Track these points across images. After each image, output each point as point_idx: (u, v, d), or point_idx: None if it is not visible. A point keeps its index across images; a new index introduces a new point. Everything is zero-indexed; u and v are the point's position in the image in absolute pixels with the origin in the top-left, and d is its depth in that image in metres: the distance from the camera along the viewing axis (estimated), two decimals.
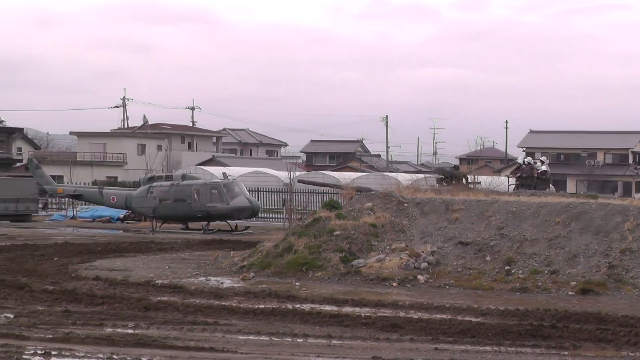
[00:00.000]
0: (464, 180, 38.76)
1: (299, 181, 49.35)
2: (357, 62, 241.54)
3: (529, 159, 42.07)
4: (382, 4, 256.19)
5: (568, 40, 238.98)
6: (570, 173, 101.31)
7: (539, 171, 39.34)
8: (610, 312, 20.20)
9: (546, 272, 24.89)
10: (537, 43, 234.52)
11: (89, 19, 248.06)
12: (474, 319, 19.16)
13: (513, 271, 25.19)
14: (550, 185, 41.10)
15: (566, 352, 15.98)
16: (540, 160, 41.18)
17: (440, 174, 40.25)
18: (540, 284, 24.36)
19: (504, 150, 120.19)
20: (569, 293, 23.61)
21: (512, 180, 41.53)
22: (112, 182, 78.25)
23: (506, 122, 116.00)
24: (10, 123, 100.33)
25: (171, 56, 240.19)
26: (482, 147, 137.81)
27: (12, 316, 18.64)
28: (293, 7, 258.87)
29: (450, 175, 38.81)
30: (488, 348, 16.19)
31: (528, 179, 38.84)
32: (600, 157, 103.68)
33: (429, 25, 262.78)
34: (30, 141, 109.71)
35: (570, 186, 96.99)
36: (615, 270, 24.47)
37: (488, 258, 26.02)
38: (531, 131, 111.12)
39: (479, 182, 41.13)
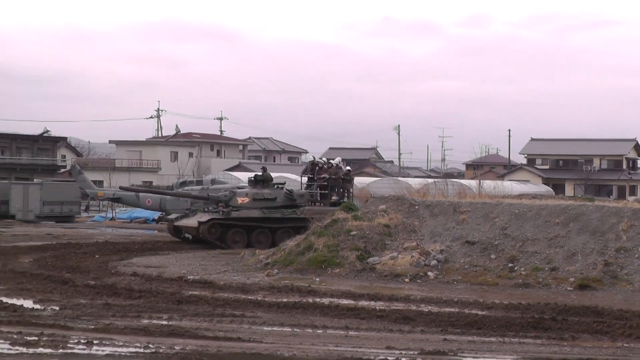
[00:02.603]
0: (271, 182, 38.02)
1: (121, 187, 47.06)
2: (371, 76, 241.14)
3: (338, 159, 41.22)
4: (391, 22, 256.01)
5: (566, 54, 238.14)
6: (568, 178, 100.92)
7: (344, 172, 38.51)
8: (606, 306, 20.11)
9: (547, 269, 24.82)
10: (536, 57, 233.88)
11: (124, 36, 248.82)
12: (480, 312, 19.12)
13: (516, 268, 25.12)
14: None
15: (565, 343, 15.95)
16: (343, 162, 40.44)
17: (252, 178, 39.38)
18: (541, 280, 24.28)
19: (507, 157, 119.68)
20: (568, 288, 23.52)
21: (305, 179, 39.61)
22: (148, 186, 78.31)
23: (509, 130, 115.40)
24: (55, 132, 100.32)
25: (200, 70, 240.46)
26: (486, 154, 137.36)
27: (57, 308, 18.70)
28: (310, 25, 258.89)
29: (262, 178, 38.16)
30: (493, 339, 16.16)
31: (335, 180, 38.07)
32: (596, 162, 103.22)
33: (435, 41, 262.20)
34: (73, 149, 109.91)
35: (569, 190, 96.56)
36: (611, 267, 24.36)
37: (493, 256, 25.96)
38: (532, 139, 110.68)
39: (284, 183, 40.00)
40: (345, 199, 38.01)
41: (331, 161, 40.05)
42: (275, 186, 38.02)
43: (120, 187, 45.50)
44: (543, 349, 15.42)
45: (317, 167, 38.67)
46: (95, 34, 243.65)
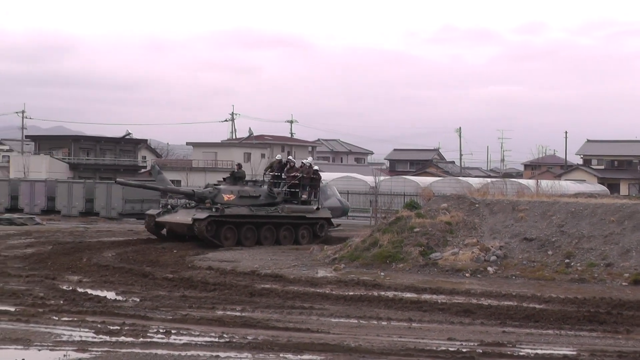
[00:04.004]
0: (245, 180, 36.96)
1: (117, 182, 44.94)
2: (432, 81, 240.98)
3: (310, 159, 40.60)
4: (451, 29, 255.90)
5: (619, 59, 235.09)
6: (623, 177, 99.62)
7: (312, 171, 37.86)
8: None
9: (602, 265, 24.50)
10: (592, 62, 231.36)
11: (199, 45, 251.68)
12: (537, 306, 18.94)
13: (572, 264, 24.84)
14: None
15: (620, 336, 15.73)
16: (310, 161, 39.74)
17: (229, 174, 38.23)
18: (596, 275, 23.98)
19: (564, 158, 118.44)
20: (623, 283, 23.19)
21: (268, 177, 38.27)
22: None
23: (565, 132, 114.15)
24: (136, 135, 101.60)
25: (271, 76, 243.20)
26: (544, 154, 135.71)
27: (138, 300, 18.91)
28: (374, 33, 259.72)
29: (240, 176, 36.98)
30: (550, 332, 16.00)
31: (306, 179, 37.45)
32: None
33: (493, 48, 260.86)
34: (153, 150, 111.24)
35: (623, 189, 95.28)
36: None
37: (550, 252, 25.70)
38: (588, 140, 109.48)
39: (264, 182, 38.89)
40: (312, 197, 37.77)
41: (303, 161, 39.73)
42: (253, 184, 37.16)
43: (116, 182, 44.61)
44: (598, 341, 15.22)
45: (287, 166, 38.35)
46: (174, 42, 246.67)
